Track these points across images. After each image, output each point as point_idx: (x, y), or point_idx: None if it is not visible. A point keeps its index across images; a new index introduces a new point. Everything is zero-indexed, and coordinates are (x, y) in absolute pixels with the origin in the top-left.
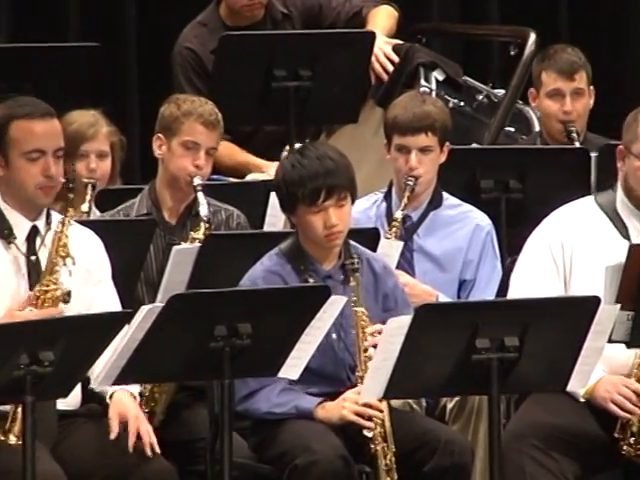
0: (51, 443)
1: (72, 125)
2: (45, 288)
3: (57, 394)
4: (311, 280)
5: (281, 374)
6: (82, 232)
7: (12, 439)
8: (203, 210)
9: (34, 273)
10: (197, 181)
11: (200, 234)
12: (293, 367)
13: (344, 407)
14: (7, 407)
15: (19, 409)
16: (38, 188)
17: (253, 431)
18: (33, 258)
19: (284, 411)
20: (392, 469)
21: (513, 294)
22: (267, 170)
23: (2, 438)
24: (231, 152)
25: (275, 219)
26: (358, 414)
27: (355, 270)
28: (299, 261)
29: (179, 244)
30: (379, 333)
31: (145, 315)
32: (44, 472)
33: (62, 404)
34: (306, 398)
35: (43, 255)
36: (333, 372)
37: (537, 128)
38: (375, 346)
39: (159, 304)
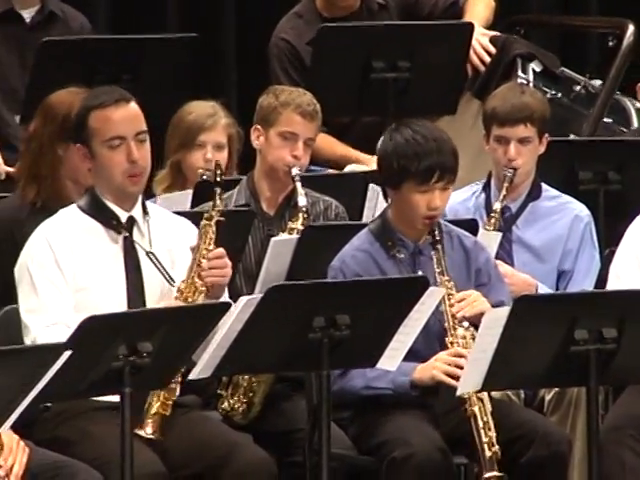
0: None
1: (190, 115)
2: (192, 281)
3: (155, 385)
4: (400, 255)
5: (379, 365)
6: (182, 223)
7: (148, 431)
8: (301, 201)
9: (157, 264)
10: (295, 171)
11: (298, 225)
12: (391, 358)
13: (435, 367)
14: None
15: (155, 402)
16: (126, 176)
17: (352, 421)
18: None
19: (381, 385)
20: (495, 460)
21: (611, 285)
22: (367, 164)
23: (139, 432)
24: (331, 145)
25: (374, 210)
26: (448, 374)
27: (437, 242)
28: (387, 237)
29: (277, 235)
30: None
31: (243, 306)
32: (142, 462)
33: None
34: (400, 368)
35: (145, 245)
36: (425, 348)
37: (635, 120)
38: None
39: (257, 295)
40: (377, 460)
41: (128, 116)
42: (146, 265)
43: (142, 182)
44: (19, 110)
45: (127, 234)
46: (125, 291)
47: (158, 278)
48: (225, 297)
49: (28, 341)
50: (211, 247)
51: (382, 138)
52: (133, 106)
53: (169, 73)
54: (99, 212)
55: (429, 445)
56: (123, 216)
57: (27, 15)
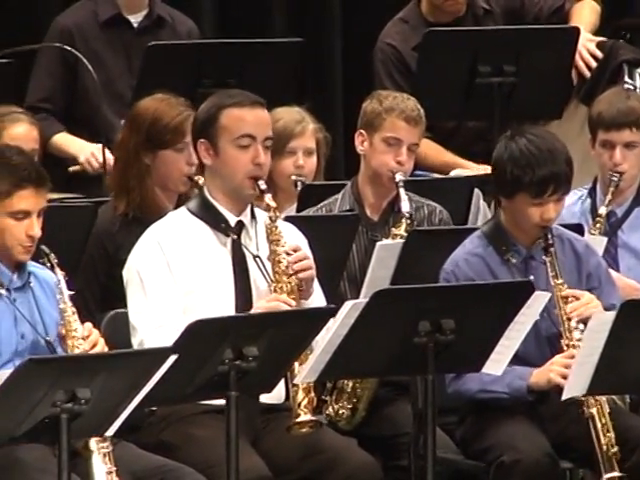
0: (253, 437)
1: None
2: (285, 282)
3: (261, 389)
4: (513, 260)
5: (485, 369)
6: (287, 228)
7: (304, 411)
8: (405, 206)
9: (262, 268)
10: (399, 177)
11: (402, 230)
12: (497, 362)
13: (551, 370)
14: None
15: (298, 392)
16: (247, 178)
17: (459, 425)
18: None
19: (497, 389)
20: (615, 460)
21: None
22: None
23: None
24: (437, 151)
25: (477, 215)
26: (565, 378)
27: (550, 245)
28: (500, 242)
29: (381, 240)
30: (576, 298)
31: (349, 311)
32: (247, 466)
33: (266, 398)
34: (516, 371)
35: (252, 249)
36: (536, 352)
37: None
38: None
39: (363, 300)
40: (484, 464)
41: (261, 120)
42: (253, 269)
43: (260, 187)
44: (125, 114)
45: (235, 237)
46: (233, 294)
47: (264, 282)
48: (319, 294)
49: (135, 342)
50: (283, 243)
51: (497, 145)
52: (266, 112)
53: (275, 77)
54: (208, 215)
55: (537, 450)
56: (232, 220)
57: (135, 20)
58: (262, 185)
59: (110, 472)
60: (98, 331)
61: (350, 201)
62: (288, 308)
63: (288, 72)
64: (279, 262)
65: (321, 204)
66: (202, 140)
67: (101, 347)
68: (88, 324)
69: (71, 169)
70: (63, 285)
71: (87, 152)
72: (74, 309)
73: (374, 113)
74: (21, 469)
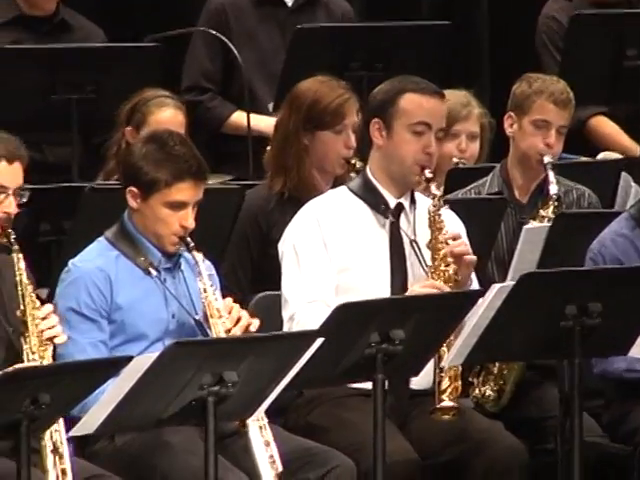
0: (401, 421)
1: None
2: (442, 270)
3: (407, 373)
4: None
5: (631, 353)
6: (449, 216)
7: (448, 398)
8: (553, 189)
9: (419, 253)
10: (547, 159)
11: (549, 213)
12: None
13: None
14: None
15: (445, 376)
16: (415, 164)
17: (606, 409)
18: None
19: None
20: None
21: None
22: None
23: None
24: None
25: (625, 198)
26: None
27: None
28: None
29: (529, 223)
30: None
31: (496, 293)
32: (394, 449)
33: (414, 383)
34: None
35: (409, 233)
36: None
37: None
38: None
39: (510, 282)
40: (630, 447)
41: (439, 110)
42: (410, 253)
43: (426, 176)
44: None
45: (394, 220)
46: (389, 277)
47: (420, 267)
48: (474, 284)
49: (286, 315)
50: (445, 231)
51: None
52: (443, 103)
53: (422, 61)
54: (369, 195)
55: None
56: (392, 202)
57: None
58: (428, 174)
59: (268, 443)
60: (239, 305)
61: (498, 183)
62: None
63: (435, 56)
64: (439, 250)
65: (470, 186)
66: (376, 119)
67: (246, 321)
68: (228, 299)
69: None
70: (202, 266)
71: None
72: (215, 288)
73: (523, 95)
74: (168, 451)
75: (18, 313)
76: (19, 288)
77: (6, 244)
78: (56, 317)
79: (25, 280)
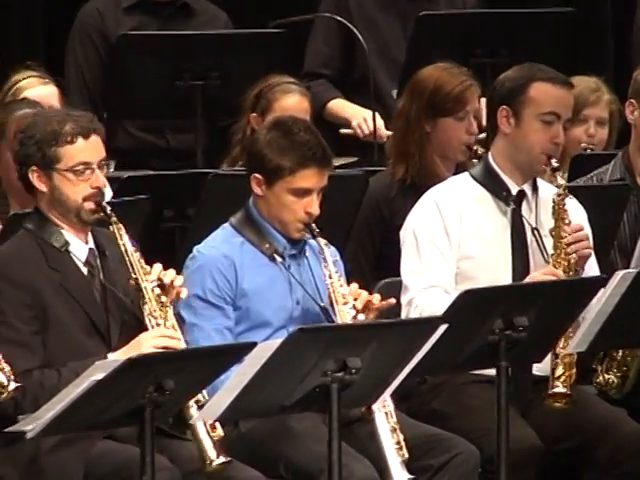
0: (524, 407)
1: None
2: (563, 259)
3: (531, 359)
4: None
5: None
6: (571, 204)
7: (561, 384)
8: None
9: (540, 241)
10: None
11: None
12: None
13: None
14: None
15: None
16: (543, 153)
17: None
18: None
19: None
20: None
21: None
22: None
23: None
24: None
25: None
26: None
27: None
28: None
29: None
30: None
31: (619, 281)
32: (518, 435)
33: (537, 370)
34: None
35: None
36: None
37: None
38: None
39: (633, 270)
40: None
41: (569, 100)
42: (531, 240)
43: (552, 165)
44: (399, 81)
45: (515, 207)
46: (510, 264)
47: (541, 255)
48: (594, 268)
49: (404, 300)
50: (567, 221)
51: None
52: (572, 93)
53: (545, 48)
54: (491, 182)
55: None
56: (514, 189)
57: None
58: (555, 163)
59: (394, 429)
60: (366, 290)
61: (621, 170)
62: None
63: (560, 43)
64: (561, 238)
65: (592, 173)
66: (504, 107)
67: (376, 307)
68: (354, 285)
69: (342, 131)
70: (327, 252)
71: (359, 117)
72: (340, 274)
73: None
74: (293, 438)
75: (131, 282)
76: (126, 258)
77: (104, 218)
78: (172, 271)
79: (130, 248)
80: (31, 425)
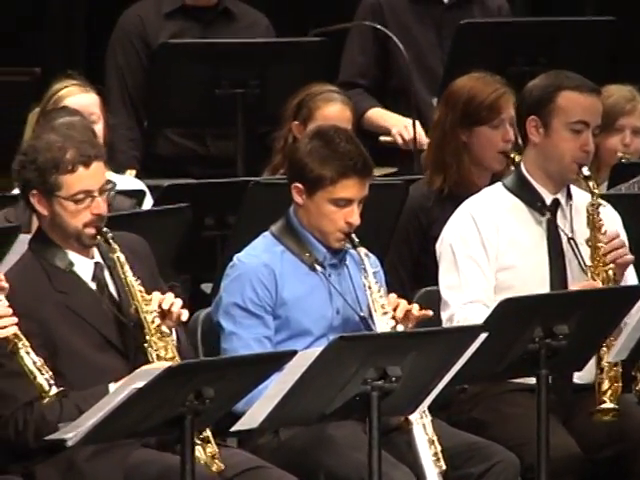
0: (564, 416)
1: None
2: (602, 270)
3: (571, 368)
4: None
5: None
6: (605, 210)
7: (608, 399)
8: None
9: (576, 250)
10: None
11: None
12: None
13: None
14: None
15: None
16: (573, 162)
17: None
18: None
19: None
20: None
21: None
22: None
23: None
24: None
25: None
26: None
27: None
28: None
29: None
30: None
31: None
32: (558, 444)
33: (577, 378)
34: None
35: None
36: None
37: None
38: None
39: None
40: None
41: (597, 108)
42: (567, 249)
43: (584, 173)
44: (435, 91)
45: (550, 216)
46: (548, 274)
47: (577, 264)
48: (632, 275)
49: (445, 317)
50: (603, 230)
51: None
52: (600, 100)
53: (586, 56)
54: (524, 192)
55: None
56: (548, 198)
57: None
58: (586, 171)
59: (432, 441)
60: (405, 300)
61: None
62: None
63: (599, 51)
64: (598, 249)
65: (633, 180)
66: (533, 117)
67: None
68: (392, 295)
69: (382, 138)
70: (367, 262)
71: (400, 125)
72: (379, 285)
73: None
74: (333, 446)
75: (132, 311)
76: (126, 288)
77: (104, 243)
78: (171, 295)
79: (131, 278)
80: (72, 433)
